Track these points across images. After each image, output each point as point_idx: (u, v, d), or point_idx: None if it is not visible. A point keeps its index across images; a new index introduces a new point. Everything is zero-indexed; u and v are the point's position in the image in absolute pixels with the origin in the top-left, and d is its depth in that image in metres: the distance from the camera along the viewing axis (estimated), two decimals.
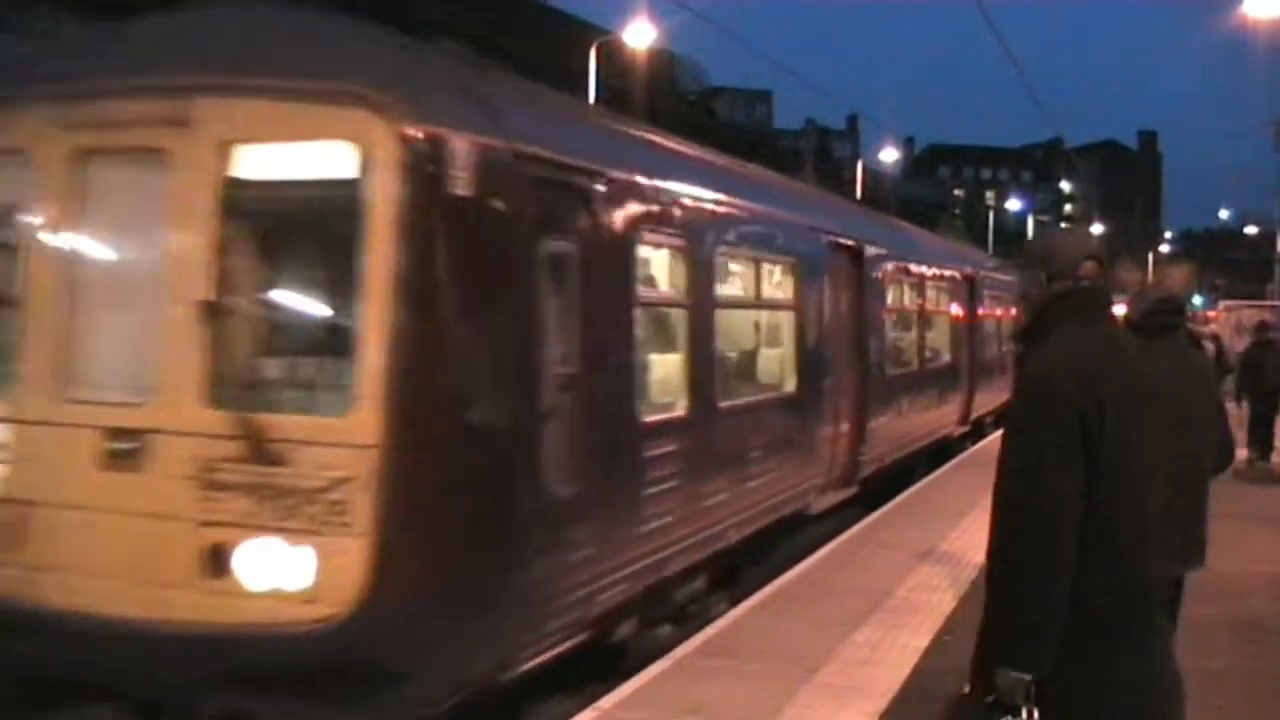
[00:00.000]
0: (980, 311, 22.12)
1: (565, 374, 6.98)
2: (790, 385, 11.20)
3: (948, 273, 19.83)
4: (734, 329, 10.68)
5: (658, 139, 9.47)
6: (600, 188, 7.47)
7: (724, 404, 9.44)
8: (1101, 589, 3.67)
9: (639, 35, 37.75)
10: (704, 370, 9.08)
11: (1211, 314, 59.43)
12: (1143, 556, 3.79)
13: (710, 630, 8.63)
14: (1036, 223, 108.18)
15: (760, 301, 10.96)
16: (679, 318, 8.95)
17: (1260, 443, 18.70)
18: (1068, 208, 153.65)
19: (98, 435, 6.05)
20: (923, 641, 8.44)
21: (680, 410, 8.72)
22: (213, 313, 6.00)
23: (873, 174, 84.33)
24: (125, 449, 6.05)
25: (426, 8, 34.34)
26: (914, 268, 17.27)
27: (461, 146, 6.13)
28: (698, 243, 8.98)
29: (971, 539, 11.65)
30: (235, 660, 5.83)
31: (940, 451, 19.05)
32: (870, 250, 14.06)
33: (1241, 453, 16.65)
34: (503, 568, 6.45)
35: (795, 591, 9.84)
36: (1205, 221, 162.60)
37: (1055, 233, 5.86)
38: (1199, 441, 6.21)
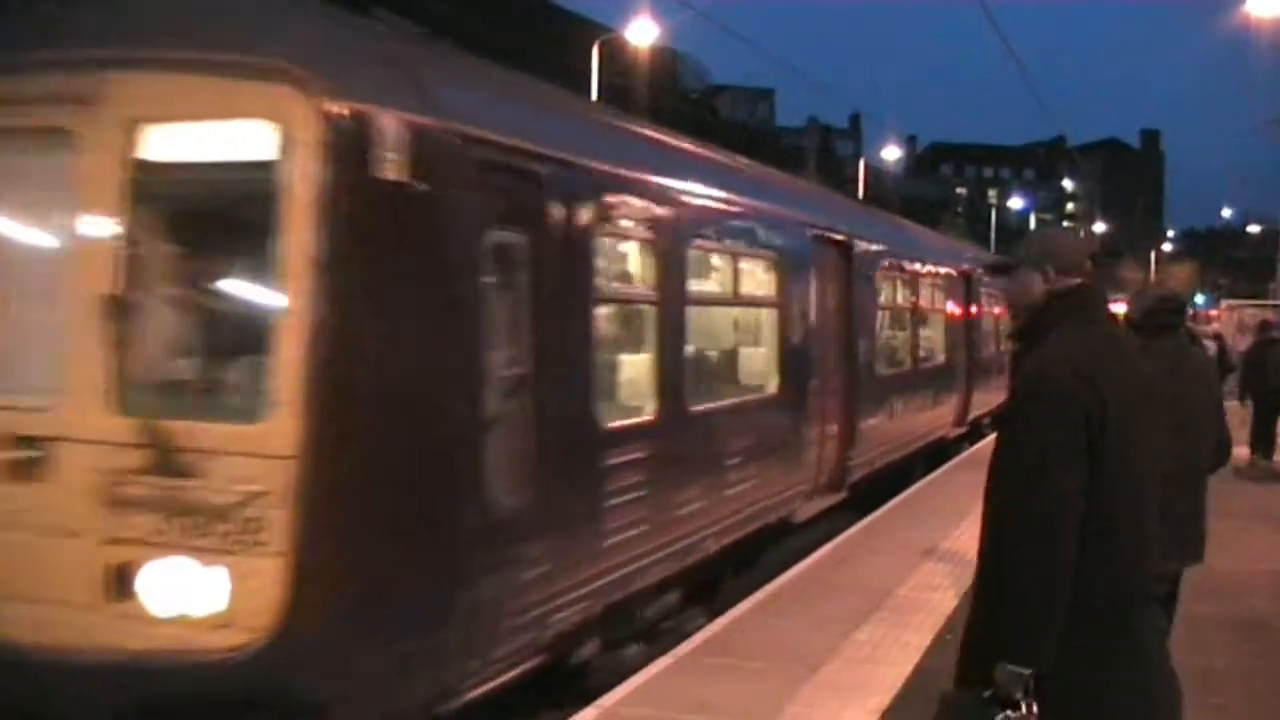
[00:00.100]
0: (978, 310, 21.49)
1: (514, 376, 6.39)
2: (772, 386, 10.59)
3: (944, 269, 19.19)
4: (709, 327, 10.10)
5: (625, 124, 8.84)
6: (556, 174, 6.86)
7: (698, 407, 8.84)
8: (1100, 588, 3.65)
9: (641, 33, 37.26)
10: (675, 371, 8.48)
11: (1213, 313, 59.12)
12: (1142, 555, 3.80)
13: (712, 628, 8.54)
14: (1039, 221, 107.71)
15: (738, 298, 10.32)
16: (647, 315, 8.35)
17: (1263, 442, 18.55)
18: (1070, 206, 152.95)
19: None
20: (924, 640, 8.30)
21: (648, 414, 8.13)
22: (120, 308, 5.43)
23: (875, 172, 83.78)
24: (26, 458, 5.47)
25: (428, 6, 33.97)
26: (907, 264, 16.63)
27: (392, 126, 5.53)
28: (668, 235, 8.36)
29: (972, 538, 10.68)
30: (140, 692, 5.25)
31: (937, 453, 18.42)
32: (860, 245, 13.41)
33: (1244, 451, 17.39)
34: (441, 588, 5.87)
35: (797, 590, 9.76)
36: (1208, 220, 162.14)
37: (1057, 230, 5.48)
38: (1198, 440, 6.16)
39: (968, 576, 9.23)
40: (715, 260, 9.91)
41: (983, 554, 3.84)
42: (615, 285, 8.18)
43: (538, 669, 6.88)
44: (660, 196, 8.28)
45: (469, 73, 7.01)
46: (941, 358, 18.69)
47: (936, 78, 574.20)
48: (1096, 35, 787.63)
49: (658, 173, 8.33)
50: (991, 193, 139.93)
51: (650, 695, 7.09)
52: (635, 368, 8.36)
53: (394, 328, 5.61)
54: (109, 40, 5.57)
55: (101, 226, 5.45)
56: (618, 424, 7.67)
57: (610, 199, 7.55)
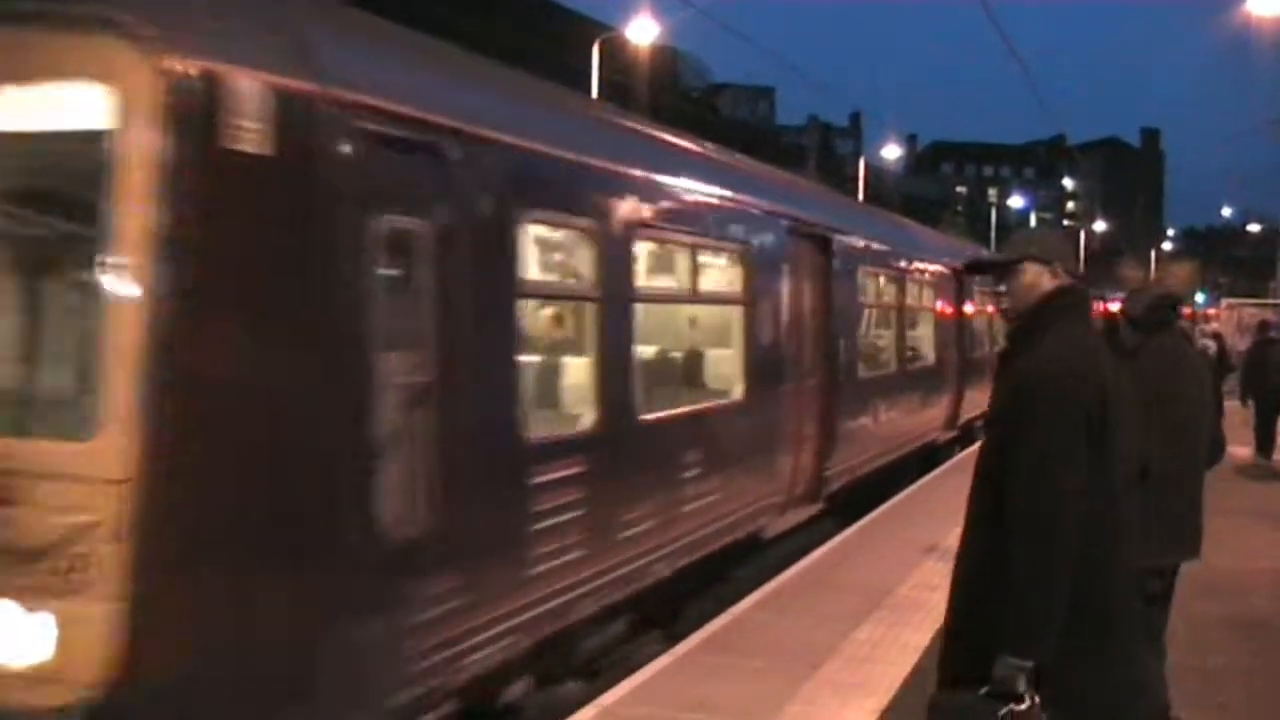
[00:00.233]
0: (971, 308, 20.53)
1: (414, 385, 5.49)
2: (738, 391, 9.65)
3: (935, 267, 18.20)
4: (663, 328, 9.22)
5: (567, 101, 7.85)
6: (472, 153, 5.96)
7: (648, 416, 7.92)
8: (1086, 581, 3.67)
9: (642, 32, 36.67)
10: (620, 377, 7.55)
11: (1212, 312, 58.64)
12: (1126, 551, 3.90)
13: (713, 626, 8.42)
14: (1039, 220, 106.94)
15: (698, 296, 9.32)
16: (586, 314, 7.43)
17: (1266, 441, 18.39)
18: (1070, 205, 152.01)
19: None
20: (924, 639, 8.09)
21: (587, 425, 7.22)
22: None
23: (875, 171, 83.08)
24: None
25: (429, 4, 33.13)
26: (894, 260, 15.63)
27: (253, 89, 4.63)
28: (612, 225, 7.42)
29: None
30: None
31: (928, 457, 17.49)
32: (840, 239, 12.42)
33: (1246, 451, 17.74)
34: (316, 630, 4.97)
35: (797, 588, 9.65)
36: (1208, 219, 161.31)
37: (1053, 231, 5.02)
38: (1196, 437, 6.10)
39: None
40: (670, 253, 8.99)
41: (969, 554, 3.91)
42: (545, 280, 7.31)
43: (453, 715, 6.01)
44: (603, 181, 7.35)
45: (370, 35, 6.03)
46: (931, 358, 17.71)
47: (937, 76, 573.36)
48: (1097, 34, 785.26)
49: (599, 155, 7.39)
50: (991, 191, 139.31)
51: (650, 694, 6.97)
52: (571, 373, 7.48)
53: (251, 328, 4.71)
54: None
55: None
56: (548, 437, 6.78)
57: (541, 182, 6.64)
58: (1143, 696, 4.03)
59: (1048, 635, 3.59)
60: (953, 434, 18.98)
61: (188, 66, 4.44)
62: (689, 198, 8.79)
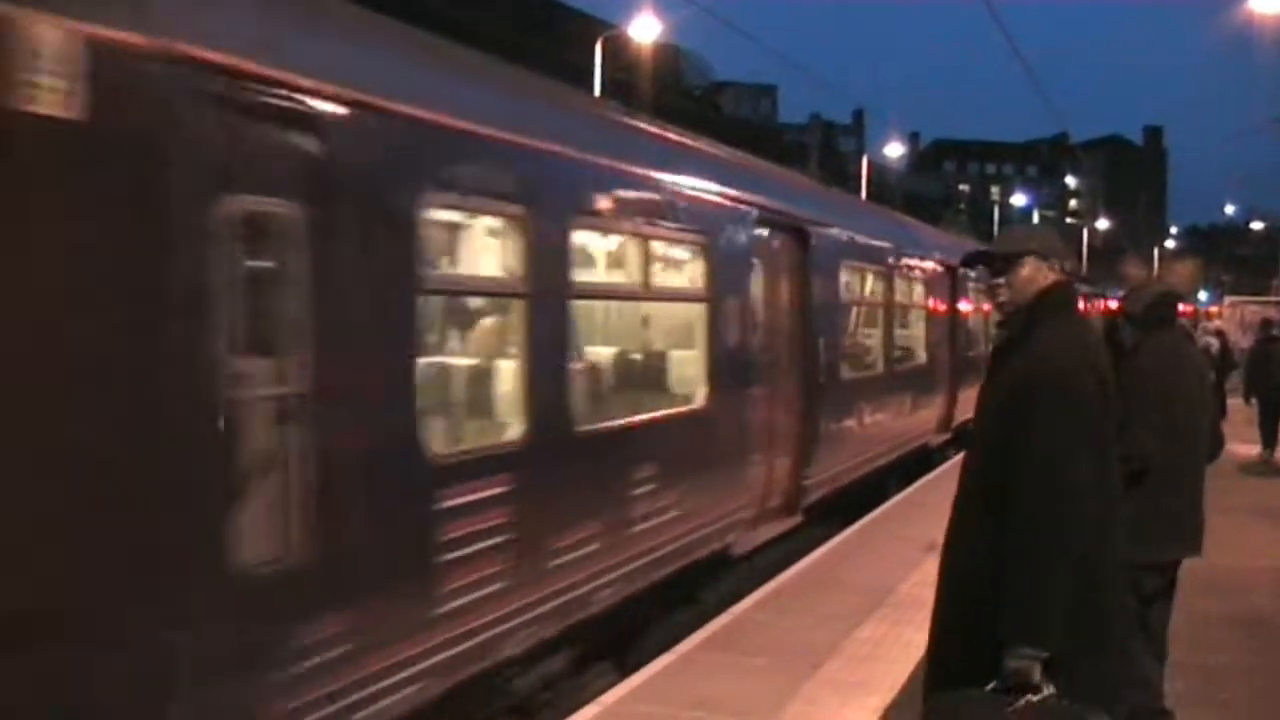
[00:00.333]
0: (965, 306, 19.59)
1: (281, 395, 4.63)
2: (700, 397, 8.74)
3: (926, 262, 17.22)
4: (608, 327, 8.33)
5: (489, 69, 6.88)
6: (362, 125, 5.08)
7: (589, 426, 7.03)
8: (1095, 580, 3.76)
9: (644, 30, 36.24)
10: (553, 383, 6.65)
11: (1213, 310, 58.20)
12: (1119, 546, 3.98)
13: (714, 625, 8.34)
14: (1042, 218, 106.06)
15: (652, 292, 8.32)
16: (511, 312, 6.54)
17: (1270, 438, 18.29)
18: (1073, 203, 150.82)
19: None
20: (926, 638, 7.42)
21: (511, 438, 6.34)
22: None
23: (878, 169, 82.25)
24: None
25: (426, 2, 32.43)
26: (881, 255, 14.63)
27: (52, 39, 3.77)
28: (544, 211, 6.53)
29: None
30: None
31: (921, 461, 16.58)
32: (819, 232, 11.46)
33: (1248, 449, 17.73)
34: (141, 696, 4.12)
35: (799, 587, 9.56)
36: (1210, 217, 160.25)
37: (1048, 228, 5.01)
38: (1196, 434, 6.05)
39: None
40: (616, 244, 8.09)
41: (968, 552, 3.90)
42: (457, 274, 6.44)
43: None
44: (531, 160, 6.45)
45: None
46: (922, 358, 16.74)
47: (940, 75, 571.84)
48: (1100, 32, 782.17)
49: (522, 130, 6.44)
50: (994, 189, 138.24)
51: (652, 692, 6.90)
52: (491, 380, 6.60)
53: (52, 332, 3.84)
54: None
55: None
56: (460, 453, 5.90)
57: (452, 161, 5.74)
58: (1139, 692, 4.16)
59: (1058, 625, 3.61)
60: (946, 436, 18.02)
61: None
62: (639, 182, 7.84)
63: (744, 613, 8.68)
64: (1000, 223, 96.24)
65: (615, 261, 8.18)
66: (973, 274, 18.87)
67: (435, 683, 5.57)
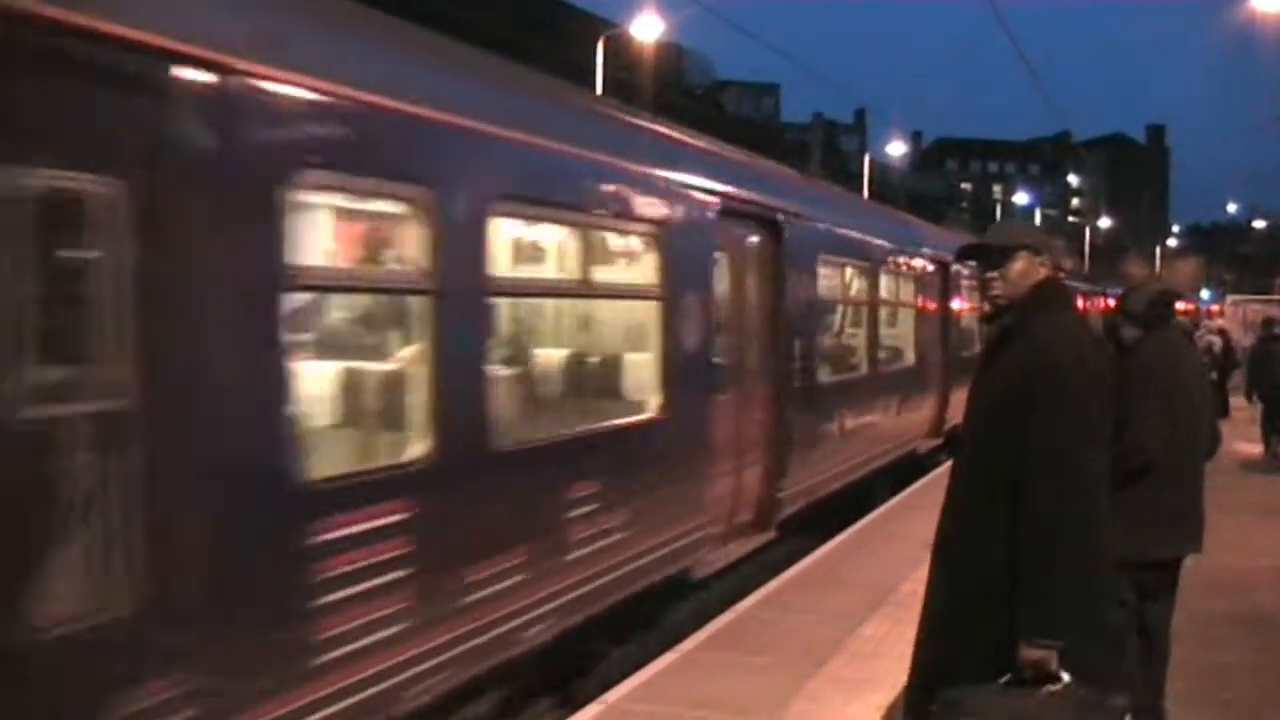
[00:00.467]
0: (959, 305, 18.62)
1: (100, 412, 3.79)
2: (654, 406, 7.86)
3: (916, 259, 16.25)
4: (539, 329, 7.49)
5: (390, 29, 5.83)
6: (212, 92, 4.24)
7: (512, 441, 6.17)
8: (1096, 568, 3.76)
9: (646, 28, 35.96)
10: (466, 393, 5.78)
11: (1215, 309, 57.89)
12: (1111, 534, 3.92)
13: (717, 623, 8.24)
14: (1044, 216, 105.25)
15: (593, 288, 7.34)
16: (413, 311, 5.67)
17: (1273, 436, 17.97)
18: (1075, 202, 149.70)
19: None
20: None
21: (412, 456, 5.49)
22: None
23: (880, 168, 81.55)
24: None
25: (434, 1, 31.74)
26: (866, 249, 13.61)
27: None
28: (454, 194, 5.65)
29: None
30: None
31: (913, 466, 15.68)
32: (793, 223, 10.52)
33: (1256, 448, 17.62)
34: None
35: (802, 584, 9.48)
36: (1213, 216, 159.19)
37: (1038, 225, 4.54)
38: (1196, 430, 6.01)
39: None
40: (548, 235, 7.23)
41: (976, 547, 3.87)
42: (339, 267, 5.59)
43: None
44: (438, 136, 5.56)
45: None
46: (911, 359, 15.77)
47: (942, 73, 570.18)
48: (1102, 31, 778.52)
49: (433, 103, 5.54)
50: (996, 188, 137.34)
51: (654, 691, 6.82)
52: (386, 391, 5.75)
53: None
54: None
55: None
56: (346, 476, 5.05)
57: (332, 135, 4.87)
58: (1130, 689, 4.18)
59: (1076, 616, 3.62)
60: (938, 441, 17.08)
61: None
62: (574, 164, 6.91)
63: (747, 611, 8.59)
64: None
65: (548, 254, 7.31)
66: (965, 271, 17.92)
67: None
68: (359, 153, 5.05)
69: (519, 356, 6.87)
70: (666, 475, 7.97)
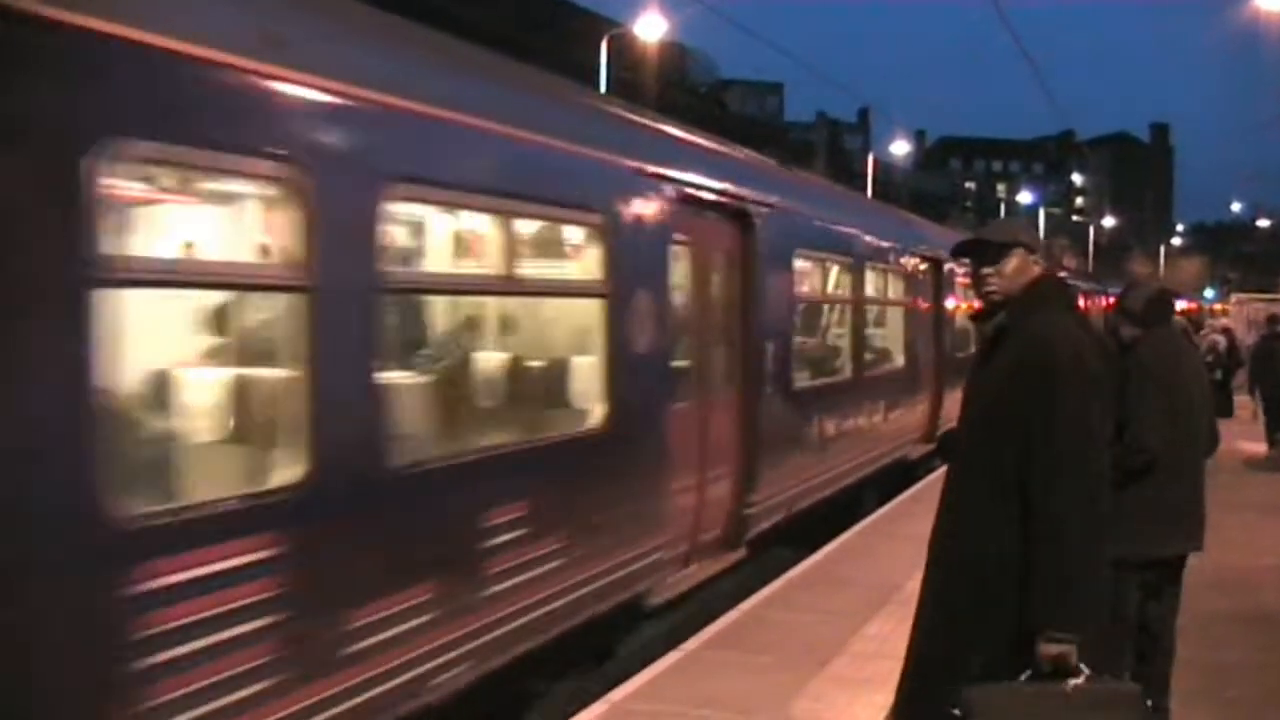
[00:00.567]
0: (953, 303, 17.64)
1: None
2: (595, 417, 7.00)
3: (907, 254, 15.29)
4: (450, 331, 6.63)
5: None
6: None
7: (412, 461, 5.28)
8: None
9: (650, 28, 35.69)
10: (351, 406, 4.90)
11: (1218, 307, 57.42)
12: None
13: (721, 622, 8.21)
14: (1048, 215, 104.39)
15: (516, 284, 6.37)
16: (281, 311, 4.81)
17: (1276, 435, 17.81)
18: (1079, 200, 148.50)
19: None
20: None
21: (279, 482, 4.63)
22: None
23: (884, 167, 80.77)
24: None
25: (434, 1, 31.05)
26: (850, 244, 12.62)
27: None
28: (332, 173, 4.75)
29: None
30: None
31: (905, 473, 14.78)
32: (765, 215, 9.58)
33: (1260, 447, 17.48)
34: None
35: (805, 583, 9.43)
36: (1217, 215, 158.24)
37: (1029, 224, 4.99)
38: (1196, 428, 5.96)
39: None
40: (459, 222, 6.34)
41: (986, 544, 3.81)
42: (176, 259, 4.74)
43: None
44: (309, 105, 4.69)
45: None
46: (900, 361, 14.83)
47: (946, 72, 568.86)
48: (1106, 29, 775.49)
49: (300, 64, 4.64)
50: (1000, 187, 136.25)
51: (658, 690, 6.80)
52: (241, 405, 4.90)
53: None
54: None
55: None
56: (183, 510, 4.18)
57: (164, 98, 4.01)
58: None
59: (1093, 609, 3.68)
60: (930, 447, 16.12)
61: None
62: (490, 140, 5.96)
63: (750, 610, 8.52)
64: None
65: (461, 246, 6.44)
66: (960, 269, 16.97)
67: None
68: (201, 120, 4.18)
69: (425, 363, 5.99)
70: (613, 493, 7.12)
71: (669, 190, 7.86)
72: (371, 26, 5.49)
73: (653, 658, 7.51)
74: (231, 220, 4.95)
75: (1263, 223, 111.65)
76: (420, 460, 5.34)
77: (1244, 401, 20.32)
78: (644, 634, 8.58)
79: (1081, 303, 33.84)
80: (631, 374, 7.25)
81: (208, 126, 4.20)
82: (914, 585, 8.19)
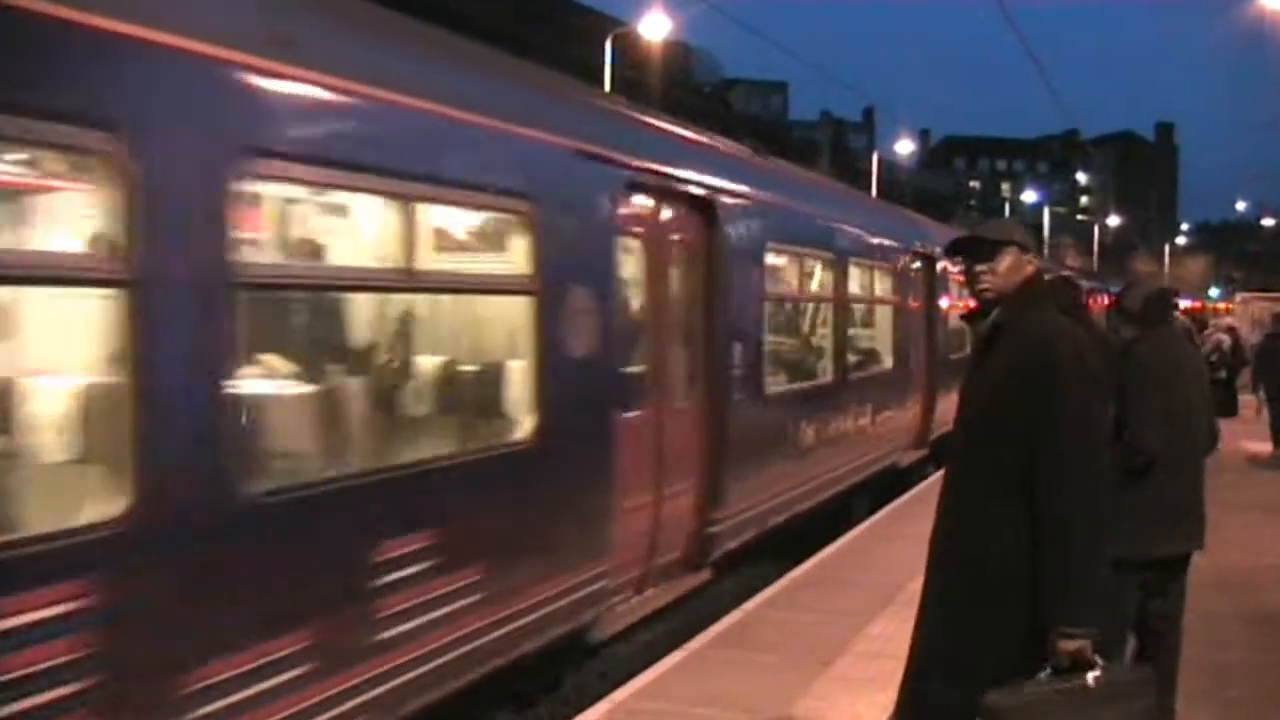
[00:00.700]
0: (947, 302, 16.69)
1: None
2: (524, 429, 6.11)
3: (897, 250, 14.31)
4: (329, 334, 5.71)
5: None
6: None
7: (274, 487, 4.42)
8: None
9: (654, 27, 35.08)
10: (191, 420, 4.04)
11: (1222, 306, 57.01)
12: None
13: (724, 622, 8.13)
14: (1053, 214, 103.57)
15: (419, 279, 5.40)
16: (96, 308, 3.89)
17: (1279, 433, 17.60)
18: (1083, 199, 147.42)
19: None
20: None
21: (89, 519, 3.74)
22: None
23: (888, 166, 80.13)
24: None
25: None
26: (832, 238, 11.65)
27: None
28: (172, 145, 3.92)
29: None
30: None
31: (897, 480, 13.87)
32: (730, 205, 8.68)
33: (1264, 446, 17.24)
34: None
35: (809, 583, 9.38)
36: (1222, 214, 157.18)
37: (1021, 222, 4.53)
38: (1196, 427, 5.89)
39: None
40: (342, 207, 5.46)
41: (993, 543, 3.76)
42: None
43: None
44: (131, 60, 3.81)
45: None
46: (887, 363, 13.86)
47: (950, 71, 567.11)
48: (1111, 28, 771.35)
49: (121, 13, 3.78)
50: (1005, 186, 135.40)
51: (662, 689, 6.73)
52: (33, 418, 4.04)
53: None
54: None
55: None
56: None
57: None
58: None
59: (1104, 604, 3.67)
60: (923, 453, 15.21)
61: None
62: (385, 114, 5.07)
63: (754, 609, 8.46)
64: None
65: (345, 234, 5.55)
66: (954, 267, 16.02)
67: None
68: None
69: (296, 370, 5.11)
70: (543, 515, 6.25)
71: (616, 175, 6.96)
72: None
73: (656, 657, 7.35)
74: (36, 200, 4.10)
75: (1268, 222, 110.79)
76: (285, 486, 4.48)
77: (1248, 400, 19.84)
78: (593, 667, 7.75)
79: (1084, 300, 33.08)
80: (567, 380, 6.37)
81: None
82: (916, 585, 7.89)
